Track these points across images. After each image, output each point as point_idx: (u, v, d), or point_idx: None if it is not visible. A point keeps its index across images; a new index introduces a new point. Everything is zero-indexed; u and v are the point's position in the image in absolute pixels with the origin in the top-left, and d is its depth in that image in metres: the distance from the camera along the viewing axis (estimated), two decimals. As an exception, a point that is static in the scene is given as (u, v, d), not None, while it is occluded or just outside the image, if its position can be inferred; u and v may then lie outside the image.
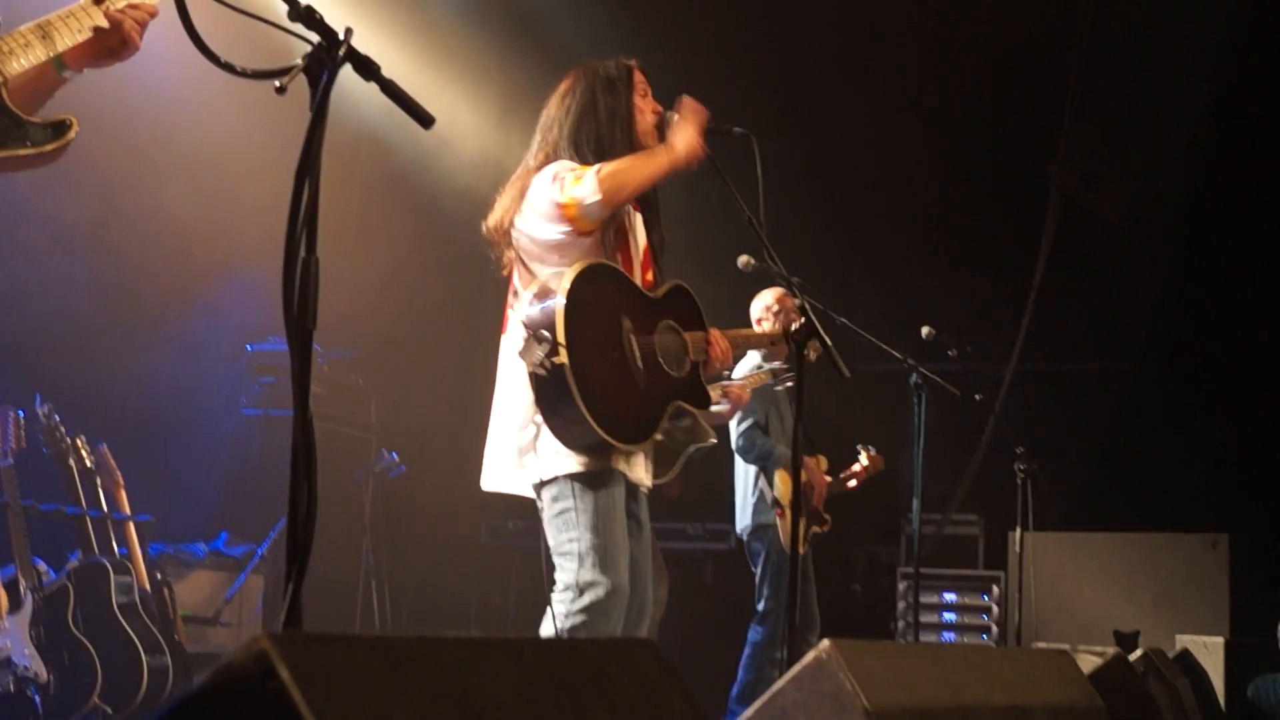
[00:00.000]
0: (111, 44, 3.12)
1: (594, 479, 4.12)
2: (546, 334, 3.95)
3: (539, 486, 4.19)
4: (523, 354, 4.00)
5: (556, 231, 4.17)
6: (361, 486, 8.16)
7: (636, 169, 4.18)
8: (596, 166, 4.14)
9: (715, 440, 5.64)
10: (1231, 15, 9.11)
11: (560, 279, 4.05)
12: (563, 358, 3.92)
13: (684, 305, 4.44)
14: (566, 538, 4.10)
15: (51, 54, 3.04)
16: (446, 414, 9.14)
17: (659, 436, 4.32)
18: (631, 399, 4.15)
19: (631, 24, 8.99)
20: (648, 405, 4.20)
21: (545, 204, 4.17)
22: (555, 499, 4.13)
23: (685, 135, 4.28)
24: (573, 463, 4.10)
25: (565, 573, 4.09)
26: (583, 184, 4.10)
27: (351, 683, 1.43)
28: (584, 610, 4.02)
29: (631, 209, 4.41)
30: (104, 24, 3.08)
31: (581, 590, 4.03)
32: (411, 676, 1.53)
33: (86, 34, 3.08)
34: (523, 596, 8.99)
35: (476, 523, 9.39)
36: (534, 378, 4.00)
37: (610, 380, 4.08)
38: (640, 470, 4.35)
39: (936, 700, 2.87)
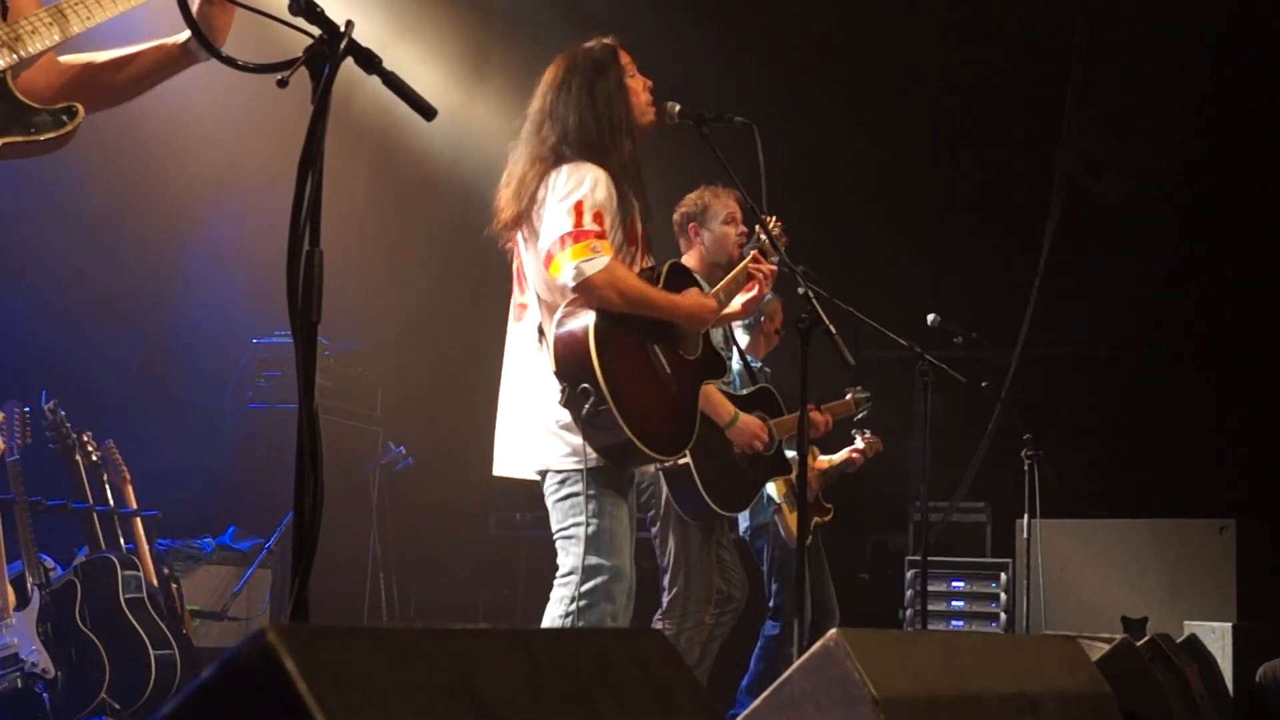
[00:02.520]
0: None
1: (616, 469, 4.17)
2: (588, 386, 4.00)
3: (549, 471, 4.23)
4: (566, 404, 4.05)
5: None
6: (368, 479, 8.16)
7: (646, 296, 4.18)
8: (612, 259, 4.08)
9: (792, 472, 5.91)
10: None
11: (580, 322, 4.08)
12: (607, 403, 3.98)
13: (686, 283, 4.45)
14: (573, 521, 4.14)
15: (67, 37, 3.02)
16: (453, 406, 9.15)
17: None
18: (671, 408, 4.25)
19: (638, 10, 8.98)
20: (687, 403, 4.30)
21: (552, 230, 4.14)
22: (564, 482, 4.18)
23: (698, 308, 4.31)
24: (595, 460, 4.14)
25: (569, 556, 4.13)
26: (592, 261, 4.06)
27: (357, 675, 1.43)
28: (588, 594, 4.06)
29: (633, 196, 4.39)
30: (136, 3, 3.03)
31: (587, 574, 4.07)
32: (417, 668, 1.52)
33: (111, 12, 3.05)
34: (531, 587, 8.98)
35: (484, 514, 9.40)
36: (585, 425, 4.05)
37: (649, 401, 4.17)
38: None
39: (944, 688, 2.87)
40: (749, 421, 5.52)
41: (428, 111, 2.60)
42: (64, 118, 3.02)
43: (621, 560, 4.11)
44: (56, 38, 3.00)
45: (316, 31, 2.44)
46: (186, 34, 3.07)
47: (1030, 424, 7.62)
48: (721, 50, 9.58)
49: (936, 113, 9.88)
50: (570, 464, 4.15)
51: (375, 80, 2.54)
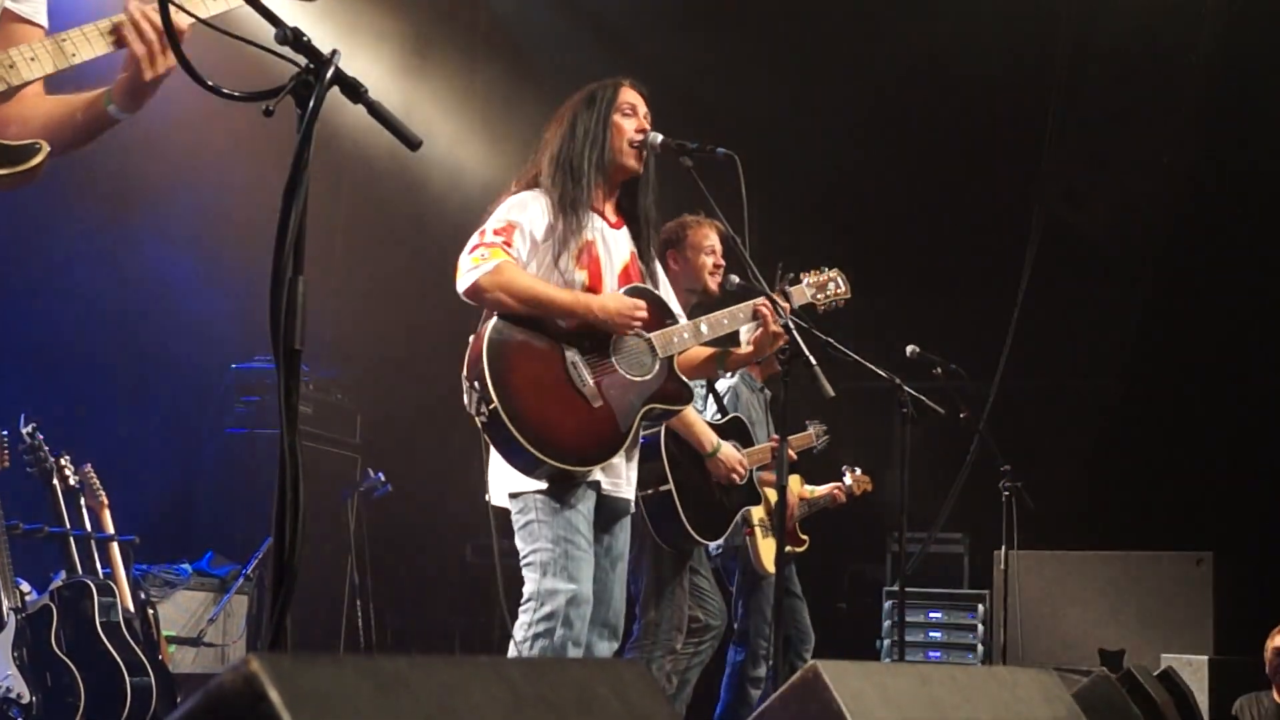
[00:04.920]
0: (140, 68, 3.02)
1: (558, 493, 4.20)
2: (476, 384, 4.07)
3: (510, 498, 4.29)
4: (467, 404, 4.15)
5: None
6: (347, 506, 8.14)
7: (536, 292, 4.20)
8: (502, 261, 4.18)
9: (761, 501, 6.10)
10: (1211, 33, 9.16)
11: (485, 324, 4.18)
12: (494, 403, 4.03)
13: (646, 306, 4.44)
14: (531, 549, 4.20)
15: (59, 69, 3.01)
16: (432, 433, 9.13)
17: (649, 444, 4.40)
18: (587, 421, 4.22)
19: (628, 44, 9.04)
20: (609, 421, 4.26)
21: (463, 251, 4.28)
22: (521, 511, 4.24)
23: (617, 305, 4.27)
24: (537, 483, 4.20)
25: (529, 583, 4.19)
26: (480, 267, 4.17)
27: (340, 705, 1.43)
28: (547, 618, 4.11)
29: (609, 225, 4.45)
30: (113, 44, 3.02)
31: (543, 599, 4.13)
32: (400, 699, 1.53)
33: (101, 49, 3.04)
34: (508, 615, 8.96)
35: (462, 542, 9.37)
36: (480, 424, 4.12)
37: (555, 411, 4.17)
38: (624, 486, 4.39)
39: (923, 720, 2.88)
40: (730, 454, 5.54)
41: (412, 142, 2.61)
42: (26, 154, 3.01)
43: (578, 584, 4.15)
44: (48, 69, 2.99)
45: (303, 60, 2.44)
46: (106, 88, 3.08)
47: (1008, 455, 7.64)
48: (707, 79, 9.63)
49: (917, 144, 9.92)
50: (524, 489, 4.21)
51: (360, 108, 2.55)
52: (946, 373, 7.06)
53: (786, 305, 4.70)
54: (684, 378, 4.52)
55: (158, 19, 2.93)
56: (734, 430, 5.92)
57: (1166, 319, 9.86)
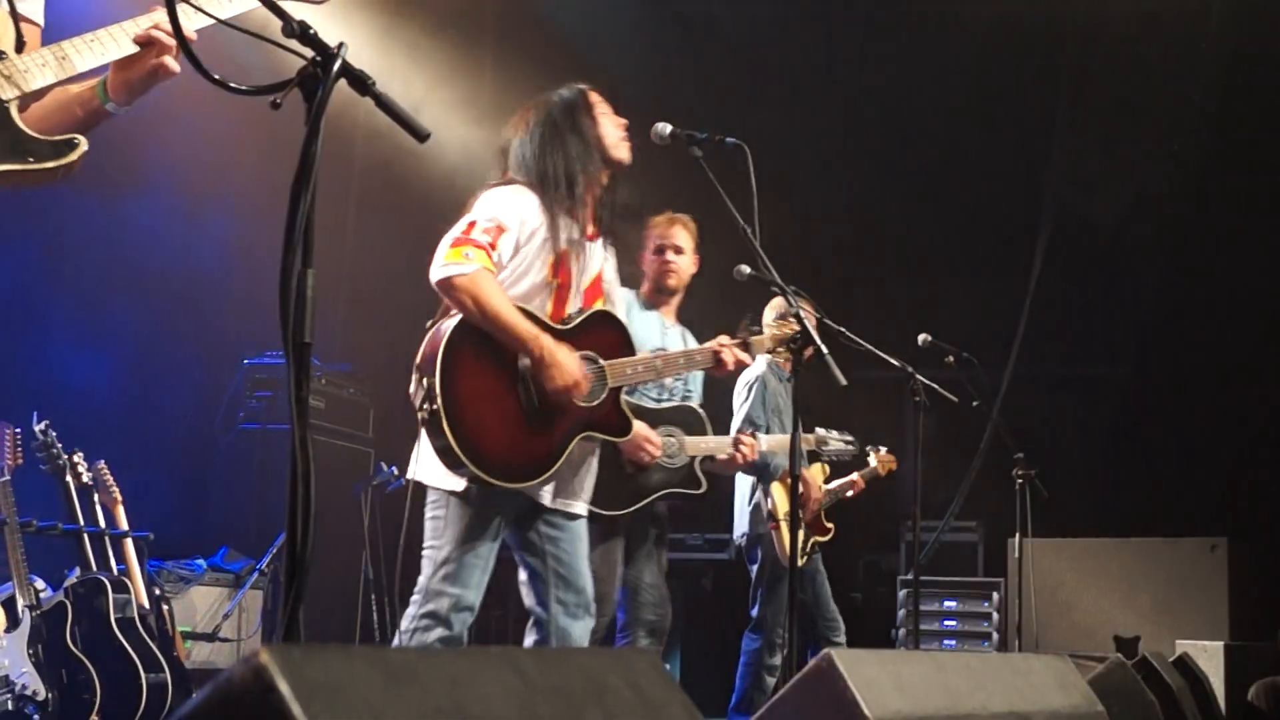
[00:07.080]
0: (143, 71, 3.05)
1: (474, 498, 4.21)
2: (425, 381, 4.10)
3: (429, 488, 4.34)
4: (411, 395, 4.18)
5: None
6: (360, 500, 8.14)
7: (500, 314, 4.10)
8: (482, 269, 4.10)
9: (703, 489, 5.75)
10: (1223, 19, 9.13)
11: (449, 323, 4.14)
12: (438, 404, 4.04)
13: (605, 332, 4.41)
14: (432, 542, 4.27)
15: (66, 76, 3.02)
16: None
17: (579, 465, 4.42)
18: (523, 438, 4.19)
19: (636, 31, 9.02)
20: (544, 441, 4.22)
21: (447, 236, 4.23)
22: (435, 504, 4.31)
23: (567, 377, 4.16)
24: (457, 483, 4.22)
25: (422, 575, 4.27)
26: (459, 265, 4.11)
27: (351, 696, 1.43)
28: (429, 615, 4.20)
29: (586, 239, 4.40)
30: (131, 50, 3.04)
31: (429, 597, 4.21)
32: (410, 689, 1.52)
33: (108, 58, 3.05)
34: (520, 608, 8.95)
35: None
36: (420, 419, 4.14)
37: (494, 422, 4.15)
38: (572, 503, 4.39)
39: (937, 708, 2.87)
40: (640, 432, 5.25)
41: (420, 133, 2.60)
42: (64, 149, 3.02)
43: (465, 590, 4.20)
44: (62, 74, 3.00)
45: (310, 53, 2.44)
46: (97, 81, 3.09)
47: (1021, 444, 7.63)
48: (722, 69, 9.62)
49: (928, 133, 9.90)
50: (443, 486, 4.25)
51: (369, 100, 2.54)
52: (959, 361, 7.05)
53: (807, 306, 4.70)
54: (629, 413, 4.47)
55: (169, 25, 2.93)
56: (678, 417, 5.75)
57: (1178, 305, 9.84)
